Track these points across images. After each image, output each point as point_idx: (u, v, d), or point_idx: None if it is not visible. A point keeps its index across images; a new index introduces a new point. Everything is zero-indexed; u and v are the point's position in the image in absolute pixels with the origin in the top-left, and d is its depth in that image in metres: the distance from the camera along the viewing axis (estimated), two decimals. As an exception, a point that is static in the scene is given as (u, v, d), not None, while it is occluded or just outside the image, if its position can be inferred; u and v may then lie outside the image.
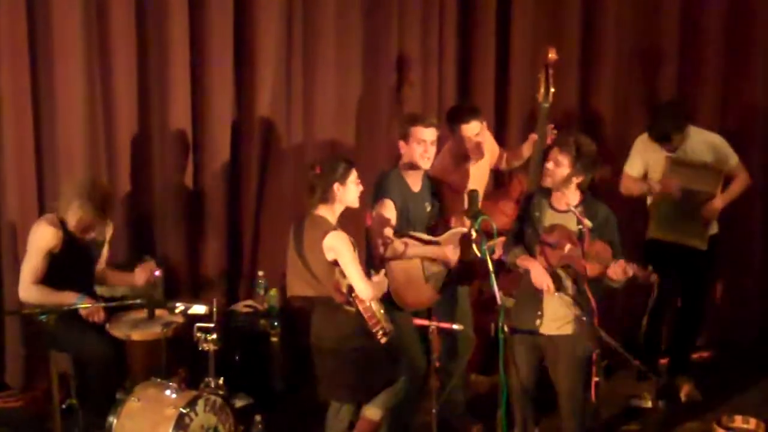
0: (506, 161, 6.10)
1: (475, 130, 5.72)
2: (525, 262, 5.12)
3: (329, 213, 5.03)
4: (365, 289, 4.92)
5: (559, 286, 5.04)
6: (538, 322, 5.12)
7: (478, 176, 5.82)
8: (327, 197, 5.01)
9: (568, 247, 4.98)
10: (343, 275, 4.96)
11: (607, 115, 6.98)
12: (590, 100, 6.97)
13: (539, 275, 5.04)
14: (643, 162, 6.11)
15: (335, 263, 4.94)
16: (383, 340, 4.97)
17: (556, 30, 6.82)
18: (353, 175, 5.05)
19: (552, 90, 5.84)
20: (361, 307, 4.94)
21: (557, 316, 5.09)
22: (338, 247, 4.92)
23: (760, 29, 6.93)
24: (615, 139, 6.84)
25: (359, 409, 5.19)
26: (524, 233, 5.17)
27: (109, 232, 5.67)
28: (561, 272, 5.03)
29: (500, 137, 6.69)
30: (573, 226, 5.02)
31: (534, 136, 5.88)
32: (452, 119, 5.80)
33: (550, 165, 5.07)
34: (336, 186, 5.00)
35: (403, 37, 6.68)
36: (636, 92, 6.98)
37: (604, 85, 6.95)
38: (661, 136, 5.96)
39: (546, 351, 5.19)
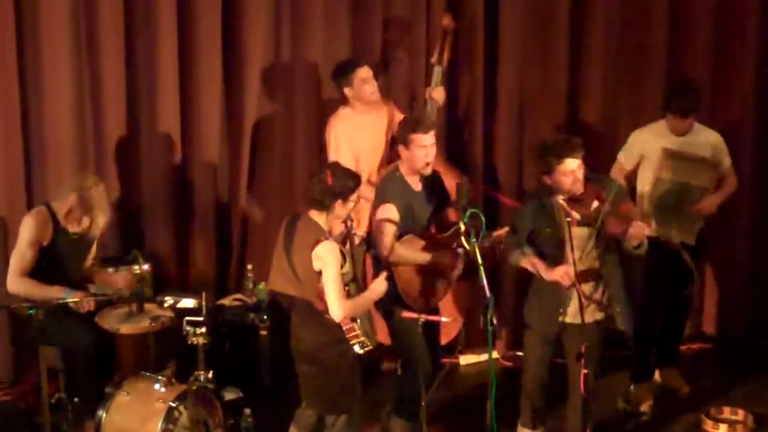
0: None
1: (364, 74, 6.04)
2: (537, 267, 5.17)
3: (322, 220, 4.93)
4: (337, 310, 4.80)
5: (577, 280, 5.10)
6: (560, 317, 5.20)
7: (374, 139, 5.99)
8: (324, 208, 4.91)
9: (594, 204, 5.02)
10: None
11: (596, 108, 6.94)
12: (579, 92, 6.94)
13: (557, 272, 5.09)
14: (639, 154, 6.09)
15: (320, 273, 4.85)
16: (360, 352, 4.91)
17: (544, 19, 6.82)
18: (355, 194, 4.98)
19: (446, 55, 6.14)
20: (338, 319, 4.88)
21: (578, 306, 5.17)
22: (327, 259, 4.81)
23: (750, 25, 6.92)
24: (604, 132, 6.83)
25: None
26: (537, 240, 5.22)
27: (100, 227, 5.65)
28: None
29: (490, 110, 6.76)
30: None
31: (428, 91, 6.17)
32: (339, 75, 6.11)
33: (580, 173, 5.08)
34: (339, 203, 4.92)
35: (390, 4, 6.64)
36: (625, 86, 6.95)
37: (592, 77, 6.91)
38: (684, 111, 5.90)
39: (564, 337, 5.26)
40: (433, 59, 6.18)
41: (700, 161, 5.97)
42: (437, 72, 6.15)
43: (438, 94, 6.19)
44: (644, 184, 6.01)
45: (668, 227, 6.00)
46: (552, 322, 5.22)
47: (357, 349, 4.89)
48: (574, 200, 5.08)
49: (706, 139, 6.04)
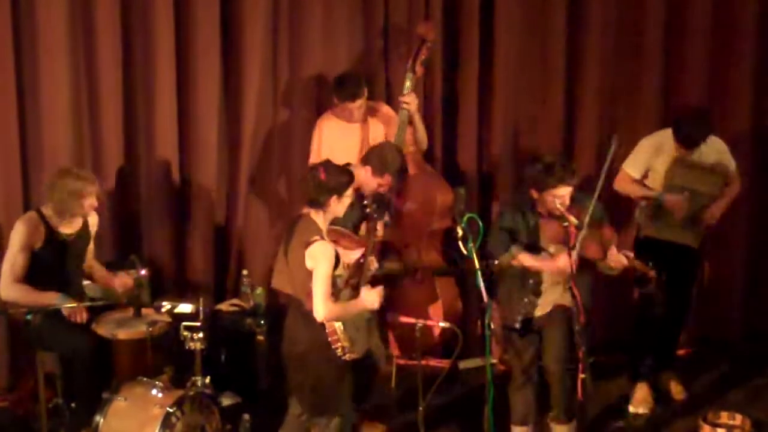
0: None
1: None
2: (537, 260, 5.25)
3: (319, 218, 4.94)
4: (321, 309, 4.79)
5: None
6: (536, 310, 5.30)
7: (347, 146, 6.13)
8: (320, 205, 4.93)
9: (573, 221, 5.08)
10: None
11: (594, 110, 6.94)
12: (576, 94, 6.93)
13: (560, 260, 5.13)
14: (647, 164, 6.08)
15: (312, 272, 4.85)
16: (345, 357, 4.92)
17: (540, 21, 6.81)
18: (350, 189, 5.00)
19: (419, 62, 6.18)
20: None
21: (551, 300, 5.27)
22: (319, 258, 4.81)
23: (746, 26, 6.93)
24: (603, 133, 6.82)
25: None
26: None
27: (93, 224, 5.66)
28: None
29: (486, 108, 6.79)
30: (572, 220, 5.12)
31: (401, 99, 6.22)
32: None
33: (568, 199, 5.16)
34: (334, 198, 4.93)
35: (389, 7, 6.66)
36: (622, 87, 6.95)
37: (589, 79, 6.91)
38: (692, 143, 5.92)
39: (541, 329, 5.33)
40: (408, 65, 6.22)
41: (708, 169, 5.99)
42: (409, 78, 6.20)
43: (409, 100, 6.20)
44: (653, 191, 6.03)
45: (675, 232, 6.01)
46: (516, 316, 5.31)
47: (339, 353, 4.90)
48: (553, 217, 5.14)
49: (712, 146, 6.04)
